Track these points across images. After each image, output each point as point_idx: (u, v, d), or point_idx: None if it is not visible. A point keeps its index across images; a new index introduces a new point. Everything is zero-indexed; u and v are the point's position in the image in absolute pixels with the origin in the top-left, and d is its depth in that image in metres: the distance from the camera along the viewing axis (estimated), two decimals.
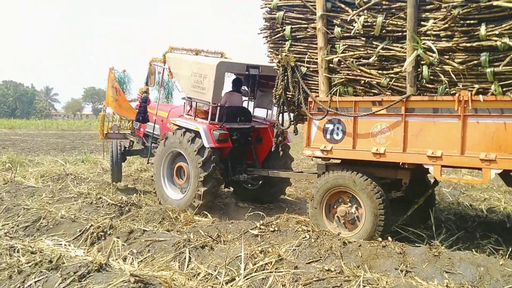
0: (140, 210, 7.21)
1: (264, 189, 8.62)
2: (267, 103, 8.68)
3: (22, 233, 6.11)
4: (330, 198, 6.16)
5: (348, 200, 6.03)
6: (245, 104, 8.93)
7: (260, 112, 8.94)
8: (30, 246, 5.22)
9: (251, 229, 5.90)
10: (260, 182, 8.69)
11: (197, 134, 7.60)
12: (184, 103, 8.45)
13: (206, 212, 7.47)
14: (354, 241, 5.39)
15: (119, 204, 7.27)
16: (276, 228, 5.83)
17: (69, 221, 6.21)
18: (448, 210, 7.68)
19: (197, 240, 5.36)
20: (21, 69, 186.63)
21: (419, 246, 5.40)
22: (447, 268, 4.58)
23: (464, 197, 8.60)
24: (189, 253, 5.00)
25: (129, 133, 10.22)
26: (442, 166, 5.27)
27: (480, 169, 5.03)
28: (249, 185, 8.85)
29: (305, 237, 5.47)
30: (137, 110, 8.98)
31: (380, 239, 5.54)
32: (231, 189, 9.29)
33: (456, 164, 5.29)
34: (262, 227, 5.93)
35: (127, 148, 10.07)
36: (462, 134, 5.06)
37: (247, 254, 4.79)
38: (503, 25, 4.74)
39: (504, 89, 4.83)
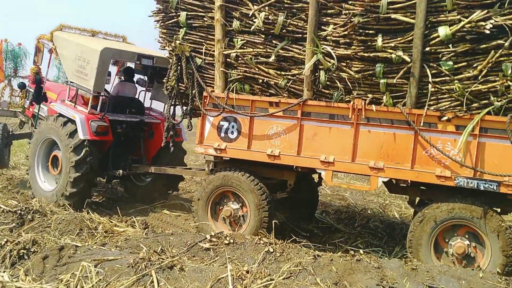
0: (45, 218, 5.97)
1: (155, 186, 8.11)
2: (164, 96, 8.11)
3: None
4: (216, 197, 5.97)
5: (234, 200, 5.91)
6: (141, 96, 8.29)
7: (157, 105, 8.40)
8: None
9: (200, 242, 5.03)
10: (149, 178, 8.16)
11: (72, 122, 6.88)
12: (69, 87, 7.55)
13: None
14: (324, 255, 4.91)
15: (18, 211, 5.96)
16: (232, 241, 5.05)
17: None
18: (373, 215, 7.77)
19: (158, 259, 4.43)
20: None
21: (392, 259, 5.07)
22: (429, 283, 4.27)
23: (368, 203, 8.82)
24: (156, 276, 4.11)
25: (20, 111, 8.93)
26: (334, 171, 5.38)
27: (368, 176, 5.22)
28: (138, 182, 8.27)
29: (268, 250, 4.79)
30: (32, 92, 8.06)
31: (352, 252, 5.22)
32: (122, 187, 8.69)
33: (347, 170, 5.44)
34: (213, 239, 5.09)
35: (12, 132, 8.84)
36: (354, 142, 5.18)
37: (233, 275, 4.11)
38: (399, 38, 4.89)
39: (394, 101, 5.02)
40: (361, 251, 5.22)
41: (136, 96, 8.22)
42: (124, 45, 8.12)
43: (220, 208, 5.96)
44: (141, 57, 7.25)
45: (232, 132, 5.78)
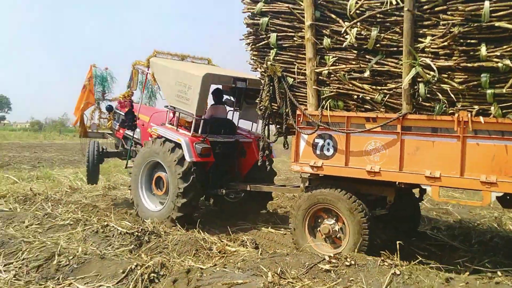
0: (160, 239, 6.16)
1: (247, 203, 8.33)
2: (253, 115, 8.33)
3: (35, 275, 4.88)
4: (313, 214, 5.96)
5: (332, 217, 5.86)
6: (229, 115, 8.54)
7: (244, 124, 8.63)
8: None
9: (319, 263, 4.89)
10: (242, 195, 8.37)
11: (178, 146, 7.19)
12: (167, 111, 7.95)
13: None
14: (457, 277, 4.63)
15: (135, 233, 6.15)
16: (353, 262, 4.87)
17: (96, 259, 5.07)
18: (489, 231, 7.40)
19: (288, 282, 4.39)
20: None
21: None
22: None
23: (475, 216, 8.44)
24: None
25: (108, 133, 9.56)
26: (441, 186, 5.19)
27: (479, 191, 4.98)
28: (230, 198, 8.51)
29: (395, 273, 4.54)
30: (124, 117, 8.47)
31: (489, 273, 4.98)
32: (211, 201, 8.94)
33: (455, 185, 5.21)
34: (333, 260, 4.96)
35: (105, 149, 9.44)
36: (461, 155, 4.96)
37: None
38: (504, 46, 4.61)
39: (504, 111, 4.75)
40: (498, 272, 4.90)
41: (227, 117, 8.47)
42: (218, 69, 8.39)
43: (318, 225, 5.96)
44: (236, 80, 7.48)
45: (328, 149, 5.76)
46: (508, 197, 5.02)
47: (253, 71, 6.28)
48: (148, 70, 8.15)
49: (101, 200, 9.41)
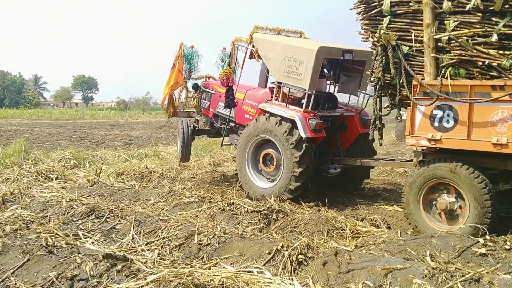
0: (288, 218, 6.02)
1: (346, 177, 8.19)
2: (352, 88, 8.13)
3: (178, 254, 4.87)
4: (429, 189, 5.68)
5: (449, 192, 5.54)
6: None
7: (341, 98, 8.42)
8: (210, 276, 3.93)
9: (473, 246, 4.52)
10: (339, 170, 8.22)
11: (293, 123, 7.15)
12: (273, 87, 7.92)
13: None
14: None
15: (263, 211, 6.11)
16: None
17: (237, 238, 4.97)
18: None
19: (456, 269, 3.96)
20: (8, 57, 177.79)
21: None
22: None
23: None
24: None
25: (194, 112, 9.90)
26: None
27: None
28: (328, 174, 8.35)
29: None
30: (224, 96, 8.50)
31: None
32: None
33: None
34: (489, 243, 4.60)
35: (196, 127, 9.78)
36: None
37: None
38: None
39: None
40: None
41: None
42: (320, 42, 8.24)
43: (433, 201, 5.68)
44: (345, 52, 7.30)
45: (448, 121, 5.42)
46: None
47: (363, 41, 6.07)
48: (249, 46, 8.14)
49: (213, 177, 9.68)
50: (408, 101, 5.84)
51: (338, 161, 7.65)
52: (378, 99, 6.01)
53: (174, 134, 20.84)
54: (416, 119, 5.67)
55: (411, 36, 5.58)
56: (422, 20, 5.44)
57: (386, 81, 5.86)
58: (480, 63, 5.10)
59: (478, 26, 5.08)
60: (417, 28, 5.52)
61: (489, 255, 4.37)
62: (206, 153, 12.65)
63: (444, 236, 4.90)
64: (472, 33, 5.11)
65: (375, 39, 5.78)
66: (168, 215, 6.12)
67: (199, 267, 4.38)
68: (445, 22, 5.29)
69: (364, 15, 5.89)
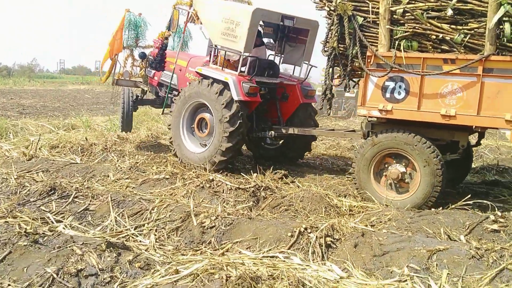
0: (277, 195, 5.66)
1: (288, 148, 8.15)
2: (296, 59, 8.05)
3: (178, 238, 4.41)
4: (380, 159, 5.84)
5: (400, 162, 5.75)
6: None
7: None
8: (229, 264, 3.48)
9: (483, 222, 4.51)
10: (281, 141, 8.22)
11: (225, 86, 6.96)
12: (210, 51, 7.68)
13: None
14: None
15: (249, 189, 5.69)
16: None
17: (244, 220, 4.54)
18: None
19: (501, 248, 3.83)
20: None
21: None
22: None
23: None
24: None
25: (140, 81, 9.27)
26: None
27: None
28: (268, 144, 8.32)
29: None
30: (153, 57, 8.16)
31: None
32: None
33: None
34: (500, 219, 4.56)
35: (139, 97, 9.21)
36: None
37: None
38: None
39: None
40: None
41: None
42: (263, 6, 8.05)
43: (384, 171, 5.86)
44: (284, 17, 7.15)
45: (399, 93, 5.57)
46: None
47: (318, 10, 5.96)
48: (190, 9, 7.80)
49: (161, 150, 8.99)
50: (359, 72, 5.90)
51: (277, 130, 7.59)
52: (331, 69, 5.99)
53: (72, 105, 19.54)
54: (368, 90, 5.75)
55: (366, 6, 5.60)
56: None
57: (340, 51, 5.85)
58: (434, 37, 5.27)
59: (432, 0, 5.22)
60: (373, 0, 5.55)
61: (501, 231, 4.40)
62: (142, 125, 11.85)
63: (450, 213, 4.94)
64: (427, 7, 5.25)
65: (332, 8, 5.71)
66: (138, 193, 5.57)
67: (210, 253, 3.99)
68: None
69: None
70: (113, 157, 7.66)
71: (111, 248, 3.59)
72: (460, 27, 5.15)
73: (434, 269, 3.63)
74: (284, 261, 3.80)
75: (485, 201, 5.43)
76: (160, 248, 4.23)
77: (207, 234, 4.45)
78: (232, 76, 6.96)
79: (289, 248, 4.04)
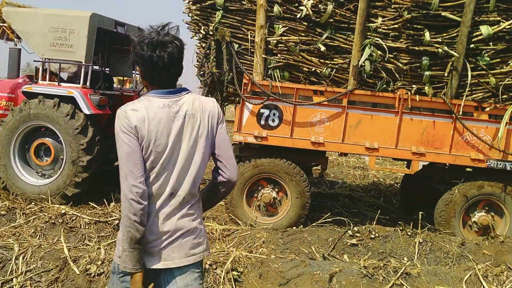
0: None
1: None
2: (125, 70, 7.76)
3: None
4: (253, 183, 5.99)
5: (272, 186, 5.99)
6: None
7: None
8: None
9: (343, 237, 4.83)
10: None
11: (72, 102, 6.25)
12: (36, 67, 6.73)
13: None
14: (470, 240, 5.13)
15: (112, 221, 5.17)
16: (376, 234, 4.89)
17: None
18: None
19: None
20: None
21: None
22: None
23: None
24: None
25: None
26: (377, 156, 5.76)
27: (410, 160, 5.71)
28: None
29: (420, 241, 4.77)
30: None
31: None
32: None
33: (390, 155, 5.83)
34: (356, 234, 4.95)
35: None
36: (398, 129, 5.58)
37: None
38: (444, 34, 5.31)
39: (434, 91, 5.50)
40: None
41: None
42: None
43: (256, 192, 6.00)
44: (117, 24, 6.87)
45: (273, 120, 5.78)
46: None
47: (193, 32, 5.77)
48: (3, 23, 6.76)
49: None
50: (232, 98, 5.93)
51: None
52: (209, 95, 5.87)
53: None
54: (244, 117, 5.81)
55: (241, 34, 5.66)
56: (253, 19, 5.59)
57: (217, 77, 5.77)
58: (306, 69, 5.62)
59: (303, 34, 5.56)
60: (248, 27, 5.64)
61: (359, 245, 4.88)
62: None
63: (313, 231, 5.22)
64: (299, 40, 5.57)
65: (209, 32, 5.60)
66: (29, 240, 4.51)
67: None
68: (274, 26, 5.58)
69: (198, 6, 5.61)
70: None
71: None
72: (328, 61, 5.61)
73: None
74: None
75: (342, 218, 6.02)
76: None
77: (96, 283, 3.89)
78: (76, 90, 6.30)
79: None
